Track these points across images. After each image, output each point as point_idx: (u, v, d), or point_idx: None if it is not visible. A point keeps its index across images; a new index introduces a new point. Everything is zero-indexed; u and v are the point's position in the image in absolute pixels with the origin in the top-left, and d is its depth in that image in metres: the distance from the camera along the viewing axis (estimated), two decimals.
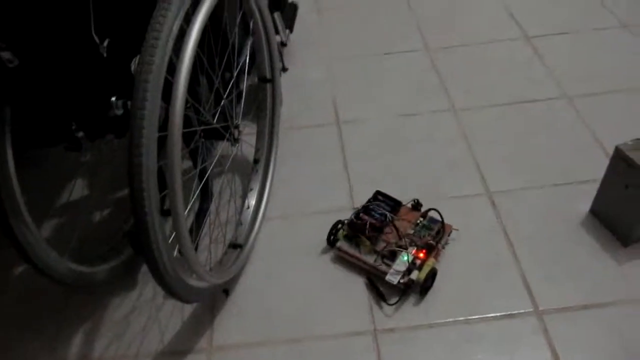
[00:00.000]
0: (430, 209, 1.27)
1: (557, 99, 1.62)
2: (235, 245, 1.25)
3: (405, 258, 1.16)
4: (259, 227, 1.32)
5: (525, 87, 1.67)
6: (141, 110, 0.82)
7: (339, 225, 1.26)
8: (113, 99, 0.94)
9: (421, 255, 1.18)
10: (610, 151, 1.21)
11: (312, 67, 1.81)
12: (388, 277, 1.15)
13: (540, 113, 1.58)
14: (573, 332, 1.11)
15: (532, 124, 1.55)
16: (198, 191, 1.21)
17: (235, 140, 1.15)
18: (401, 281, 1.14)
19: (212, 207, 1.29)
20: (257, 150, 1.40)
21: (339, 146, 1.54)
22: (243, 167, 1.48)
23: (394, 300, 1.16)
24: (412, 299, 1.18)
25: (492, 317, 1.14)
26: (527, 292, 1.18)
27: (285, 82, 1.74)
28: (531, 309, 1.15)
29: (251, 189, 1.37)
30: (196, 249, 1.15)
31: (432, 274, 1.17)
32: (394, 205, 1.29)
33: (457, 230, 1.27)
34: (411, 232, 1.24)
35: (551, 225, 1.30)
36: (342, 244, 1.24)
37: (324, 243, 1.29)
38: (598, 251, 1.24)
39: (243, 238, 1.27)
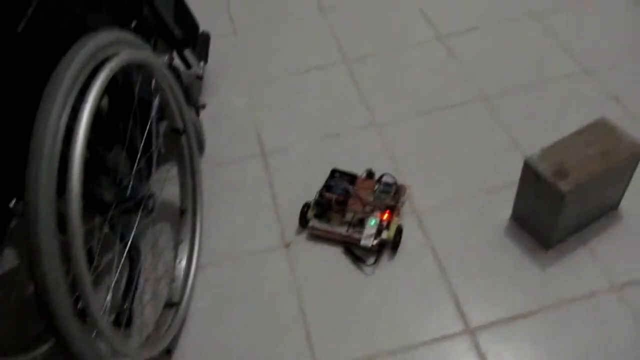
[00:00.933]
0: (383, 174, 1.42)
1: (472, 102, 1.65)
2: (170, 305, 1.25)
3: (373, 222, 1.31)
4: (193, 280, 1.32)
5: (441, 91, 1.69)
6: (35, 216, 0.80)
7: (306, 208, 1.37)
8: (12, 202, 0.92)
9: (385, 216, 1.33)
10: (528, 151, 1.25)
11: (233, 94, 1.80)
12: (363, 242, 1.29)
13: (458, 118, 1.61)
14: (503, 347, 1.15)
15: (452, 132, 1.58)
16: (123, 259, 1.20)
17: (150, 211, 1.14)
18: (374, 242, 1.29)
19: (142, 269, 1.28)
20: (182, 200, 1.39)
21: (266, 179, 1.54)
22: (172, 216, 1.47)
23: (371, 261, 1.30)
24: (385, 256, 1.32)
25: (428, 340, 1.18)
26: (457, 311, 1.22)
27: (207, 114, 1.72)
28: (463, 327, 1.19)
29: (181, 241, 1.37)
30: (130, 320, 1.14)
31: (399, 230, 1.32)
32: (351, 178, 1.44)
33: (409, 187, 1.42)
34: (371, 198, 1.38)
35: (477, 237, 1.34)
36: (313, 222, 1.36)
37: (261, 283, 1.31)
38: (522, 258, 1.29)
39: (178, 295, 1.27)
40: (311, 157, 1.57)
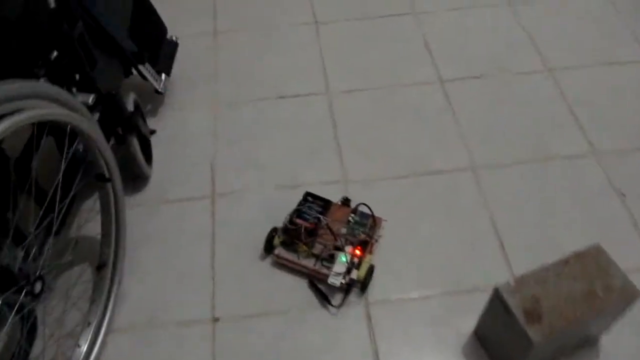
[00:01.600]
0: (359, 204, 1.31)
1: (463, 171, 1.44)
2: None
3: (344, 259, 1.21)
4: (99, 350, 1.15)
5: (430, 150, 1.48)
6: None
7: (274, 233, 1.27)
8: None
9: (357, 252, 1.23)
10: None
11: (195, 115, 1.59)
12: (330, 280, 1.20)
13: (443, 189, 1.41)
14: None
15: (435, 205, 1.37)
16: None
17: (36, 296, 0.95)
18: (342, 282, 1.19)
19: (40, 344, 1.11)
20: (102, 253, 1.21)
21: (210, 230, 1.35)
22: (79, 272, 1.28)
23: (337, 300, 1.21)
24: (353, 294, 1.22)
25: None
26: None
27: (162, 137, 1.52)
28: None
29: (94, 300, 1.19)
30: None
31: (370, 271, 1.21)
32: (325, 204, 1.32)
33: (386, 221, 1.31)
34: (345, 230, 1.28)
35: (431, 346, 1.15)
36: (279, 250, 1.26)
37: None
38: None
39: None
40: (266, 209, 1.38)
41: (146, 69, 1.43)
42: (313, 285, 1.23)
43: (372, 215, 1.29)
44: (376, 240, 1.28)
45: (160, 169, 1.46)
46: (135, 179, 1.42)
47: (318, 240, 1.25)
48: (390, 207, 1.35)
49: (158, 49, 1.53)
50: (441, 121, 1.54)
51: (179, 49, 1.69)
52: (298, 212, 1.29)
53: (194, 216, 1.37)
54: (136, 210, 1.38)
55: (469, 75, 1.65)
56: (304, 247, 1.23)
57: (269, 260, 1.28)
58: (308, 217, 1.28)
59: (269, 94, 1.63)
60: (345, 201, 1.34)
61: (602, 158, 1.45)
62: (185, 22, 1.84)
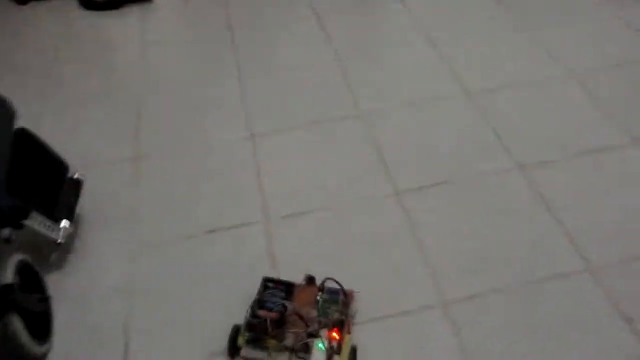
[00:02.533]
0: (326, 279, 1.15)
1: (431, 310, 1.17)
2: None
3: (321, 346, 1.06)
4: None
5: (392, 288, 1.21)
6: None
7: (235, 333, 1.10)
8: None
9: (335, 335, 1.07)
10: None
11: (108, 264, 1.32)
12: None
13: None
14: None
15: None
16: None
17: None
18: None
19: None
20: None
21: None
22: None
23: None
24: None
25: None
26: None
27: (65, 297, 1.24)
28: None
29: None
30: None
31: (353, 352, 1.08)
32: (287, 287, 1.16)
33: (359, 292, 1.16)
34: (315, 313, 1.12)
35: None
36: (246, 351, 1.09)
37: None
38: None
39: None
40: None
41: (36, 221, 1.17)
42: None
43: (342, 289, 1.14)
44: (352, 317, 1.14)
45: (62, 342, 1.17)
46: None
47: (288, 331, 1.08)
48: None
49: (56, 192, 1.28)
50: (402, 249, 1.28)
51: (94, 181, 1.46)
52: (260, 303, 1.12)
53: None
54: None
55: (430, 183, 1.42)
56: (273, 342, 1.08)
57: None
58: (272, 305, 1.11)
59: (198, 229, 1.37)
60: (310, 280, 1.18)
61: (599, 274, 1.20)
62: (101, 147, 1.61)
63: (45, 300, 1.17)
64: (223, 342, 1.13)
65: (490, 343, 1.10)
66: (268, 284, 1.16)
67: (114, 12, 2.24)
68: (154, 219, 1.41)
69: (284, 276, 1.20)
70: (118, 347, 1.16)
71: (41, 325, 1.14)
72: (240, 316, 1.13)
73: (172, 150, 1.58)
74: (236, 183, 1.47)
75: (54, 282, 1.26)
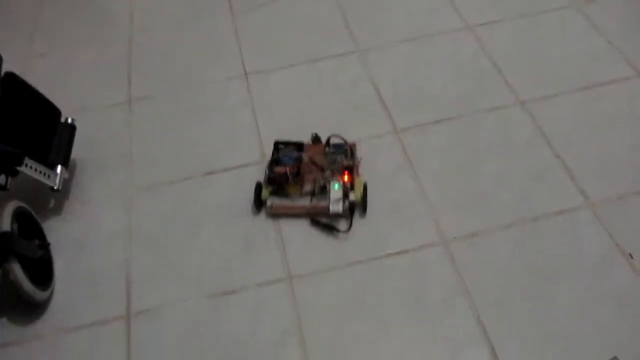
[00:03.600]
0: (330, 136, 1.31)
1: (433, 247, 1.17)
2: None
3: (337, 186, 1.21)
4: None
5: (391, 230, 1.21)
6: None
7: (259, 188, 1.23)
8: None
9: (346, 178, 1.23)
10: None
11: (105, 209, 1.32)
12: (332, 209, 1.18)
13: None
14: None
15: None
16: None
17: None
18: (345, 206, 1.19)
19: None
20: None
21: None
22: None
23: (345, 226, 1.19)
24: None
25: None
26: None
27: (64, 243, 1.25)
28: None
29: None
30: None
31: (365, 188, 1.22)
32: (298, 146, 1.30)
33: (358, 141, 1.32)
34: (326, 162, 1.26)
35: None
36: (271, 201, 1.23)
37: None
38: None
39: None
40: (195, 326, 1.10)
41: (29, 168, 1.16)
42: (315, 222, 1.20)
43: (345, 142, 1.30)
44: (359, 162, 1.28)
45: (63, 288, 1.19)
46: (30, 305, 1.15)
47: (305, 179, 1.24)
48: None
49: (49, 138, 1.26)
50: (401, 187, 1.28)
51: (87, 126, 1.44)
52: (276, 161, 1.27)
53: (108, 342, 1.10)
54: (32, 345, 1.10)
55: (430, 120, 1.39)
56: (295, 188, 1.22)
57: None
58: (287, 161, 1.26)
59: (194, 171, 1.36)
60: (316, 138, 1.32)
61: (598, 209, 1.19)
62: (93, 91, 1.58)
63: (44, 246, 1.18)
64: (222, 282, 1.14)
65: (489, 280, 1.11)
66: (279, 146, 1.31)
67: None
68: (149, 162, 1.39)
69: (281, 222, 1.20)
70: (119, 290, 1.17)
71: (42, 271, 1.15)
72: (240, 261, 1.14)
73: (166, 91, 1.55)
74: (232, 123, 1.45)
75: (52, 229, 1.27)
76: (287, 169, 1.22)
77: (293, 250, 1.19)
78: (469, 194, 1.24)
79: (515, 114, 1.38)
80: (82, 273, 1.21)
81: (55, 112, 1.30)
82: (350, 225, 1.18)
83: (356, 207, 1.21)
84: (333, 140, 1.30)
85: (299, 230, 1.21)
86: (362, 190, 1.21)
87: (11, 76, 1.19)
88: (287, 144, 1.30)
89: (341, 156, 1.27)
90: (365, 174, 1.28)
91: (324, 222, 1.19)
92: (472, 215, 1.20)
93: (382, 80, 1.49)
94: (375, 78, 1.50)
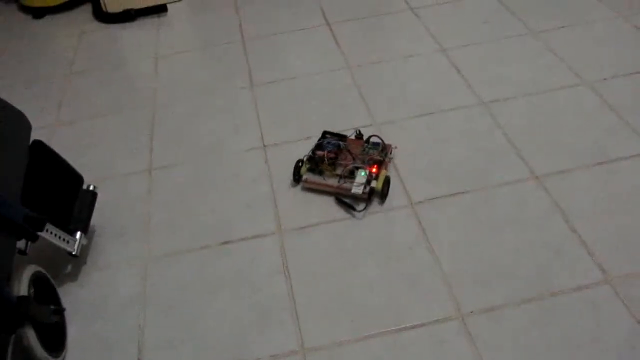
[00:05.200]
0: (371, 136, 1.50)
1: (449, 321, 1.15)
2: None
3: (363, 173, 1.39)
4: None
5: (407, 302, 1.20)
6: None
7: (300, 163, 1.45)
8: None
9: (374, 170, 1.40)
10: None
11: (121, 275, 1.32)
12: (353, 190, 1.36)
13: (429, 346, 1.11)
14: None
15: None
16: None
17: None
18: (364, 191, 1.36)
19: None
20: None
21: None
22: None
23: (361, 207, 1.37)
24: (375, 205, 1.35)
25: None
26: None
27: (79, 308, 1.25)
28: None
29: None
30: None
31: (387, 181, 1.39)
32: (341, 138, 1.51)
33: (396, 148, 1.50)
34: (361, 154, 1.46)
35: None
36: (307, 176, 1.44)
37: None
38: None
39: None
40: None
41: (50, 234, 1.17)
42: (339, 200, 1.39)
43: (383, 142, 1.48)
44: (390, 160, 1.47)
45: (75, 355, 1.18)
46: None
47: (339, 164, 1.43)
48: None
49: (70, 204, 1.29)
50: (417, 260, 1.27)
51: (108, 193, 1.47)
52: (319, 146, 1.48)
53: None
54: None
55: (446, 194, 1.40)
56: (329, 168, 1.42)
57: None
58: (328, 147, 1.46)
59: (211, 241, 1.37)
60: (359, 134, 1.52)
61: (618, 285, 1.17)
62: (115, 159, 1.62)
63: (59, 312, 1.18)
64: (235, 352, 1.12)
65: (507, 357, 1.08)
66: (326, 135, 1.53)
67: (128, 25, 2.27)
68: (167, 230, 1.41)
69: (298, 289, 1.20)
70: (131, 358, 1.16)
71: (55, 337, 1.14)
72: (254, 331, 1.13)
73: (186, 161, 1.59)
74: (250, 193, 1.47)
75: (67, 294, 1.27)
76: (325, 153, 1.42)
77: (307, 320, 1.18)
78: (485, 268, 1.23)
79: (530, 188, 1.39)
80: (95, 340, 1.20)
81: (77, 179, 1.33)
82: (365, 208, 1.36)
83: (375, 194, 1.37)
84: (373, 139, 1.49)
85: (316, 300, 1.20)
86: (383, 181, 1.37)
87: (39, 144, 1.24)
88: (332, 134, 1.52)
89: (376, 151, 1.45)
90: (379, 245, 1.29)
91: (346, 201, 1.38)
92: (489, 290, 1.19)
93: (396, 154, 1.52)
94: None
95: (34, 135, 1.24)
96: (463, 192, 1.40)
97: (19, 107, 1.23)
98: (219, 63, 1.97)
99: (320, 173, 1.42)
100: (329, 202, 1.40)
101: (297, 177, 1.45)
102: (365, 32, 2.03)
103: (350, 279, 1.24)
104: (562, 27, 1.92)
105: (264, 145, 1.60)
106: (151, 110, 1.79)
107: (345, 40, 1.99)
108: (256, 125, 1.68)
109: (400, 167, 1.48)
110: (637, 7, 1.97)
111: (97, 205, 1.38)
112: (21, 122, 1.22)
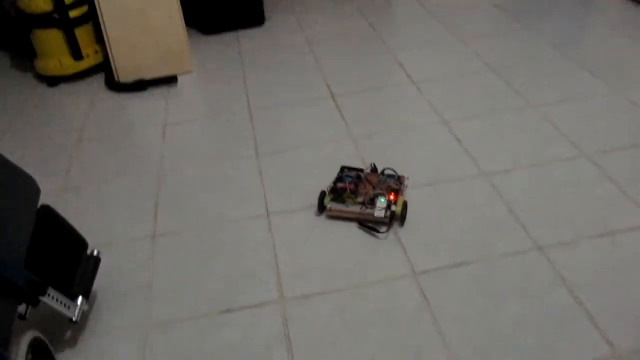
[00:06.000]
0: (385, 168, 1.66)
1: None
2: None
3: (383, 199, 1.51)
4: None
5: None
6: None
7: (323, 195, 1.57)
8: None
9: (392, 197, 1.53)
10: None
11: (120, 344, 1.30)
12: (376, 214, 1.49)
13: None
14: None
15: None
16: None
17: None
18: (386, 214, 1.48)
19: None
20: None
21: None
22: None
23: (383, 231, 1.48)
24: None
25: None
26: None
27: None
28: None
29: None
30: None
31: (405, 206, 1.52)
32: (358, 171, 1.65)
33: (407, 178, 1.64)
34: (378, 184, 1.59)
35: None
36: (331, 204, 1.55)
37: None
38: None
39: None
40: None
41: (51, 298, 1.17)
42: (362, 224, 1.52)
43: (397, 173, 1.64)
44: (405, 187, 1.61)
45: None
46: None
47: (360, 192, 1.57)
48: None
49: (73, 269, 1.29)
50: (420, 331, 1.26)
51: (111, 258, 1.47)
52: (339, 179, 1.62)
53: None
54: None
55: (449, 264, 1.40)
56: (351, 197, 1.55)
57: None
58: (348, 179, 1.61)
59: (211, 309, 1.35)
60: (374, 168, 1.68)
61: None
62: (120, 225, 1.63)
63: None
64: None
65: None
66: (344, 169, 1.66)
67: (139, 94, 2.34)
68: (168, 297, 1.40)
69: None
70: None
71: None
72: None
73: (189, 228, 1.60)
74: (252, 262, 1.47)
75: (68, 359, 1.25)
76: (347, 184, 1.57)
77: None
78: (490, 339, 1.21)
79: (533, 258, 1.39)
80: None
81: (82, 243, 1.34)
82: (388, 230, 1.48)
83: (396, 218, 1.51)
84: (387, 172, 1.64)
85: None
86: (402, 206, 1.50)
87: (46, 208, 1.25)
88: (350, 168, 1.66)
89: (392, 181, 1.60)
90: (383, 317, 1.28)
91: (369, 225, 1.50)
92: None
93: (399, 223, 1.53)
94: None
95: (42, 199, 1.26)
96: (466, 263, 1.40)
97: (29, 171, 1.26)
98: (225, 132, 2.02)
99: (343, 202, 1.54)
100: (325, 269, 1.36)
101: (321, 208, 1.56)
102: (369, 104, 2.09)
103: (352, 351, 1.22)
104: (560, 101, 1.98)
105: (268, 213, 1.62)
106: (157, 177, 1.82)
107: (349, 112, 2.04)
108: (261, 193, 1.70)
109: (402, 237, 1.49)
110: (630, 82, 2.03)
111: (100, 269, 1.38)
112: (30, 187, 1.24)
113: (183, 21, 2.41)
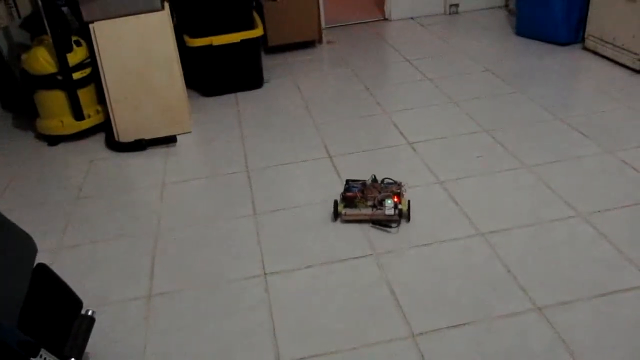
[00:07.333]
0: (384, 178, 1.92)
1: None
2: None
3: (390, 201, 1.77)
4: None
5: None
6: None
7: (336, 203, 1.80)
8: None
9: (396, 199, 1.79)
10: None
11: None
12: (387, 212, 1.76)
13: None
14: None
15: None
16: None
17: None
18: (395, 212, 1.75)
19: None
20: None
21: None
22: None
23: (395, 226, 1.73)
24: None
25: None
26: None
27: None
28: None
29: None
30: None
31: (409, 205, 1.79)
32: (362, 182, 1.90)
33: (406, 184, 1.90)
34: (382, 188, 1.86)
35: None
36: (345, 210, 1.79)
37: None
38: None
39: None
40: None
41: (49, 356, 1.15)
42: (375, 222, 1.76)
43: (395, 181, 1.91)
44: (405, 191, 1.87)
45: None
46: None
47: (368, 197, 1.82)
48: None
49: (67, 329, 1.27)
50: None
51: (106, 318, 1.45)
52: (347, 190, 1.87)
53: None
54: None
55: (447, 325, 1.39)
56: (362, 201, 1.80)
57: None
58: (354, 188, 1.86)
59: None
60: (374, 179, 1.93)
61: None
62: (116, 285, 1.62)
63: None
64: None
65: None
66: (349, 182, 1.91)
67: (138, 153, 2.37)
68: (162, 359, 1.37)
69: None
70: None
71: None
72: None
73: (185, 288, 1.59)
74: (248, 323, 1.45)
75: None
76: (356, 193, 1.83)
77: None
78: None
79: (532, 320, 1.38)
80: None
81: (77, 303, 1.33)
82: (399, 224, 1.73)
83: (403, 215, 1.76)
84: (387, 180, 1.91)
85: None
86: (407, 204, 1.77)
87: (42, 267, 1.25)
88: (354, 180, 1.91)
89: (393, 186, 1.87)
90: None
91: (382, 223, 1.74)
92: None
93: (398, 284, 1.52)
94: (392, 281, 1.53)
95: (39, 257, 1.26)
96: (465, 324, 1.38)
97: (26, 229, 1.26)
98: (223, 191, 2.04)
99: (355, 207, 1.77)
100: (324, 331, 1.33)
101: (336, 214, 1.79)
102: (365, 164, 2.12)
103: None
104: (554, 161, 2.01)
105: (265, 274, 1.61)
106: (154, 236, 1.82)
107: (347, 172, 2.06)
108: (258, 253, 1.69)
109: (400, 298, 1.47)
110: (621, 143, 2.07)
111: (94, 330, 1.35)
112: (27, 246, 1.24)
113: (183, 83, 2.47)
